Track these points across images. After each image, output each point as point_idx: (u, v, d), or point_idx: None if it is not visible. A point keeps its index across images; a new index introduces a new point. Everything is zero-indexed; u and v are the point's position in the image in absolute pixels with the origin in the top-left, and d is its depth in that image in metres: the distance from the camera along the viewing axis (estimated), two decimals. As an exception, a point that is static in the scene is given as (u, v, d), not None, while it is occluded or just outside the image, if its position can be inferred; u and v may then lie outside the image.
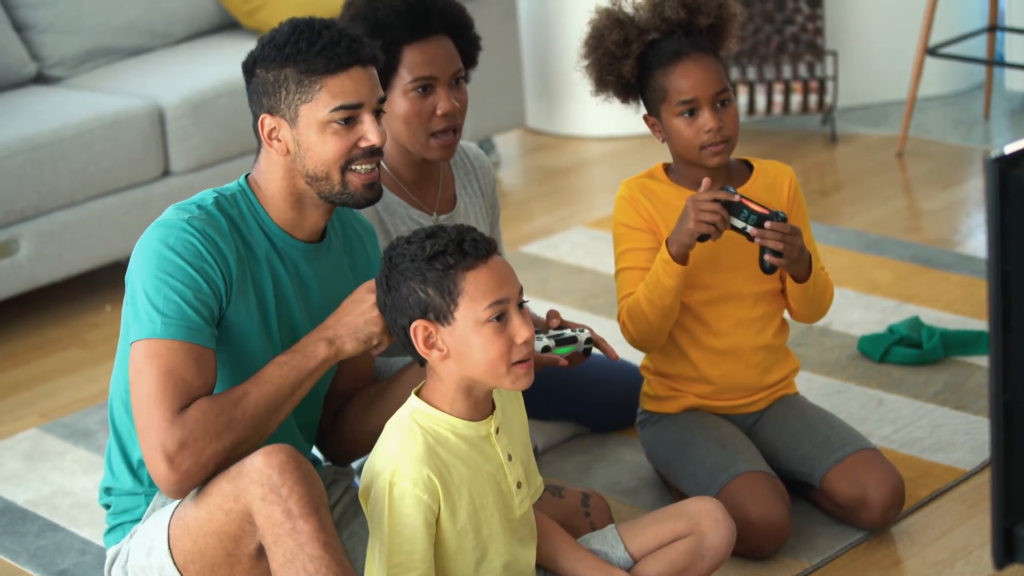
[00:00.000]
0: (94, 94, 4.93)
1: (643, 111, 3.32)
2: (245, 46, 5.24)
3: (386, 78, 3.21)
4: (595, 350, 3.05)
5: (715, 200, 3.10)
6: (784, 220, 3.12)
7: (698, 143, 3.21)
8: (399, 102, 3.22)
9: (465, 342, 2.62)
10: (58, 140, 4.62)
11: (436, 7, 3.24)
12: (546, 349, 2.96)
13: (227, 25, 5.57)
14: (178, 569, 2.72)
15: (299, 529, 2.57)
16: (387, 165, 3.31)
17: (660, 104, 3.24)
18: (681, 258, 3.15)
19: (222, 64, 5.11)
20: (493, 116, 5.64)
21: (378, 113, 2.80)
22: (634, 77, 3.25)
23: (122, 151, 4.74)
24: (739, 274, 3.28)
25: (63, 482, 3.78)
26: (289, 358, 2.76)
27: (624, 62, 3.24)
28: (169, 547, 2.73)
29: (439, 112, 3.21)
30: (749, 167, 3.35)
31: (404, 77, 3.21)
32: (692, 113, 3.20)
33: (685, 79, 3.20)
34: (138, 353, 2.70)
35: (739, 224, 3.12)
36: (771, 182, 3.33)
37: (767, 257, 3.14)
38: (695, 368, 3.35)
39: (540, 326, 3.07)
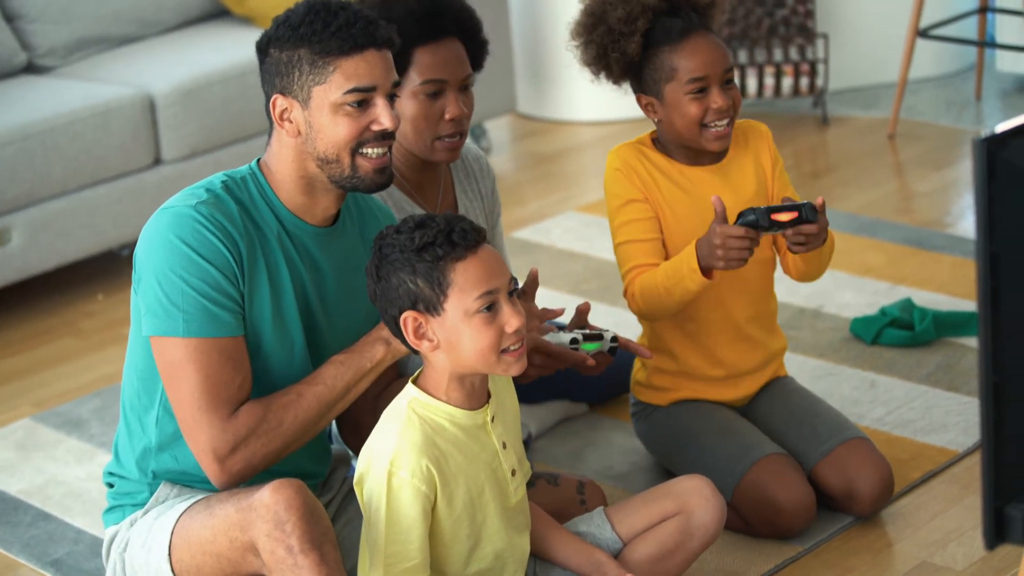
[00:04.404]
0: (85, 83, 4.92)
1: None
2: (235, 34, 5.28)
3: None
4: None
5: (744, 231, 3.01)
6: (813, 213, 3.03)
7: (703, 122, 3.16)
8: (407, 104, 3.15)
9: (455, 332, 2.60)
10: (49, 129, 4.62)
11: (450, 9, 3.18)
12: (574, 342, 2.94)
13: (217, 13, 5.56)
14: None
15: (300, 564, 2.56)
16: (392, 165, 3.28)
17: (665, 83, 3.17)
18: (708, 272, 3.08)
19: (213, 52, 5.10)
20: (484, 102, 5.61)
21: (392, 97, 2.76)
22: (638, 55, 3.17)
23: (113, 140, 4.74)
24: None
25: (56, 471, 3.77)
26: (346, 358, 2.75)
27: (629, 39, 3.16)
28: (169, 554, 2.73)
29: (447, 117, 3.15)
30: None
31: (414, 79, 3.14)
32: (702, 91, 3.16)
33: (696, 56, 3.14)
34: (166, 352, 2.69)
35: (769, 232, 3.07)
36: (753, 150, 3.29)
37: (792, 248, 3.10)
38: (698, 352, 3.30)
39: (563, 325, 3.05)
